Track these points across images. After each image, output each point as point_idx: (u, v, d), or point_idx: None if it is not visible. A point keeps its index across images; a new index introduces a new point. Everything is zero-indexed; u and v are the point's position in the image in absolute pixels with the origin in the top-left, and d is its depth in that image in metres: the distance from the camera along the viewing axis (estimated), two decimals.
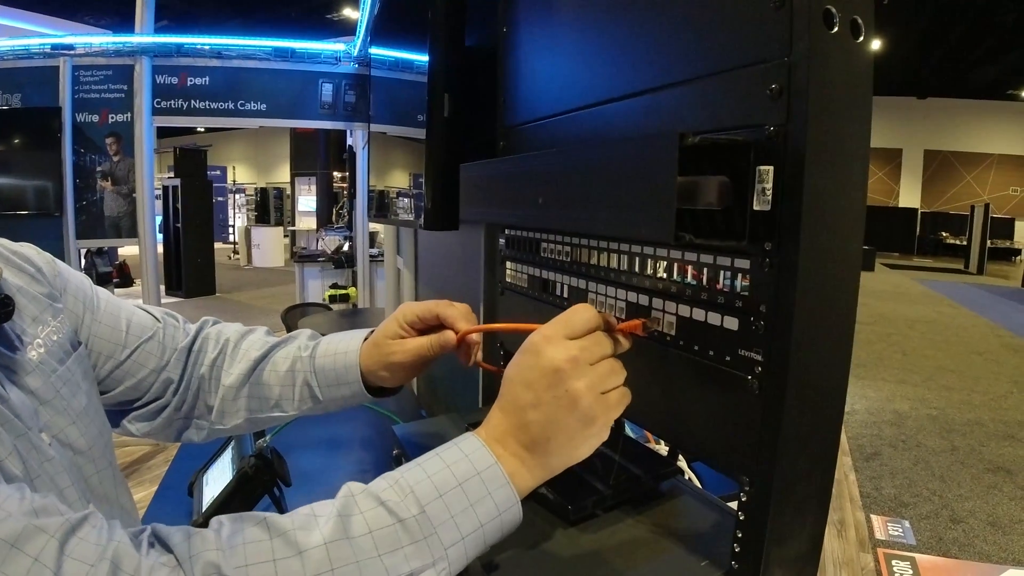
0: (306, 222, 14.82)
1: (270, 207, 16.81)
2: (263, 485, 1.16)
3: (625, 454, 0.77)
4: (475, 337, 0.79)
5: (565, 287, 0.79)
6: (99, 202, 4.47)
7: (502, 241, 0.96)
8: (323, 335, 0.89)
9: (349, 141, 6.03)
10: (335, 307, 5.30)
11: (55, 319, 0.71)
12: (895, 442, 4.32)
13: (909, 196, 18.55)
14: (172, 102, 4.44)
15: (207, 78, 4.37)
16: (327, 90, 4.58)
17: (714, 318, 0.57)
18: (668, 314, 0.62)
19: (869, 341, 6.88)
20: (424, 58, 1.47)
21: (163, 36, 4.43)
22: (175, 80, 4.42)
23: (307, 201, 15.23)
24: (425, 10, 1.37)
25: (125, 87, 4.44)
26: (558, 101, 0.83)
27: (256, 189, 17.58)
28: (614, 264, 0.69)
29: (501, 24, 0.98)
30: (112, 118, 4.46)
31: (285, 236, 15.19)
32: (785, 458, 0.52)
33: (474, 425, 0.84)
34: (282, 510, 1.17)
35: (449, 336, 0.79)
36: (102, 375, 0.79)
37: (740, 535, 0.57)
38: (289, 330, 4.45)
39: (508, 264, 0.95)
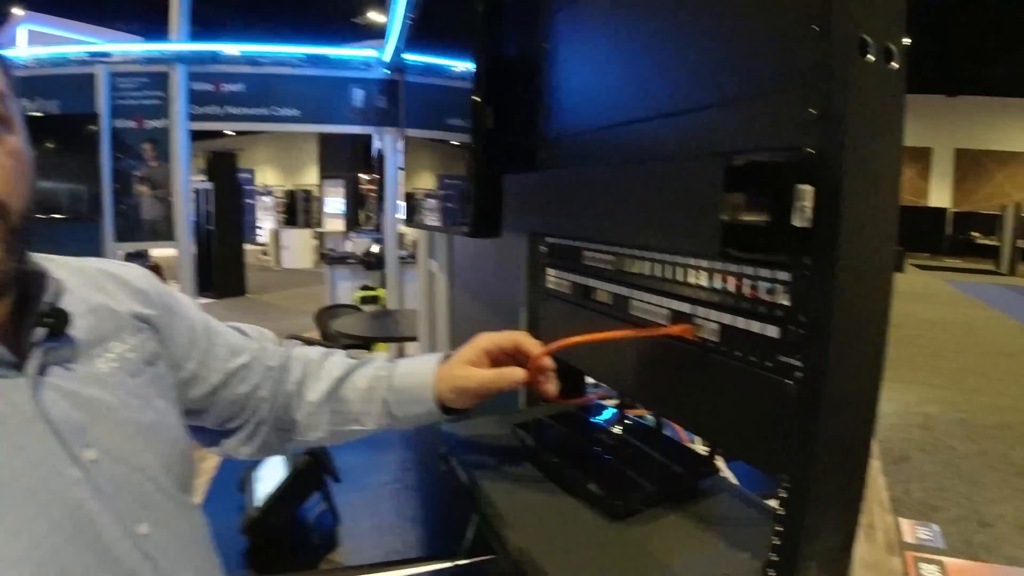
0: (334, 224, 15.00)
1: (298, 209, 17.00)
2: (315, 481, 1.21)
3: (666, 453, 0.81)
4: (548, 363, 0.82)
5: (608, 294, 0.83)
6: (137, 206, 4.59)
7: (544, 249, 1.01)
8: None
9: (378, 145, 6.10)
10: (366, 308, 5.38)
11: (134, 336, 0.77)
12: (924, 445, 4.30)
13: (939, 195, 18.27)
14: (207, 108, 4.55)
15: (242, 84, 4.47)
16: (358, 95, 4.65)
17: (756, 326, 0.61)
18: (711, 321, 0.66)
19: (898, 343, 6.81)
20: (456, 63, 1.51)
21: (198, 44, 4.53)
22: (210, 87, 4.53)
23: (334, 203, 15.43)
24: (460, 19, 1.42)
25: (161, 94, 4.55)
26: (600, 116, 0.87)
27: (284, 191, 17.78)
28: (657, 273, 0.74)
29: (541, 39, 1.03)
30: (149, 124, 4.57)
31: (313, 238, 15.34)
32: (822, 457, 0.56)
33: (521, 426, 0.89)
34: (331, 505, 1.23)
35: (516, 374, 0.82)
36: (200, 395, 0.85)
37: (779, 529, 0.60)
38: (322, 330, 4.54)
39: (550, 271, 0.99)
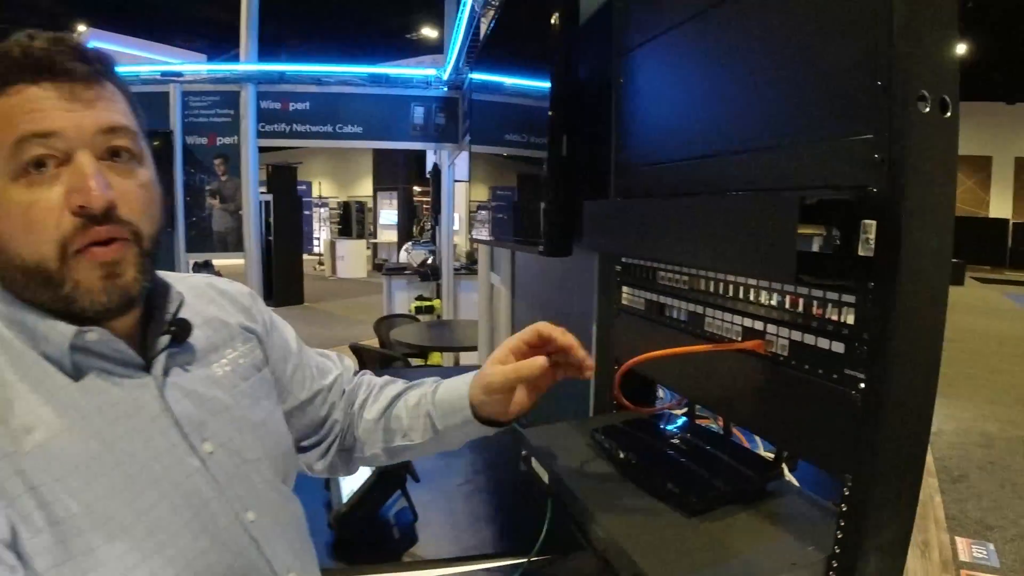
0: (387, 235, 15.31)
1: (352, 220, 17.38)
2: (397, 481, 1.30)
3: (735, 457, 0.89)
4: (581, 354, 0.86)
5: (683, 311, 0.92)
6: (208, 218, 4.82)
7: (618, 268, 1.09)
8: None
9: (434, 159, 6.26)
10: (421, 318, 5.52)
11: (244, 345, 0.88)
12: (983, 464, 4.23)
13: (1000, 206, 17.69)
14: (275, 125, 4.75)
15: (308, 103, 4.66)
16: (418, 113, 4.81)
17: (823, 343, 0.68)
18: (781, 338, 0.74)
19: (957, 359, 6.68)
20: (513, 79, 1.62)
21: (267, 64, 4.75)
22: (278, 105, 4.73)
23: (388, 215, 15.73)
24: (523, 41, 1.52)
25: (232, 111, 4.76)
26: (675, 149, 0.95)
27: (339, 203, 18.18)
28: (731, 293, 0.82)
29: (617, 75, 1.12)
30: (219, 140, 4.80)
31: (367, 248, 15.67)
32: (883, 459, 0.64)
33: (599, 431, 0.98)
34: (411, 504, 1.32)
35: (537, 361, 0.85)
36: (288, 409, 0.95)
37: (842, 523, 0.68)
38: (381, 338, 4.66)
39: (625, 288, 1.08)
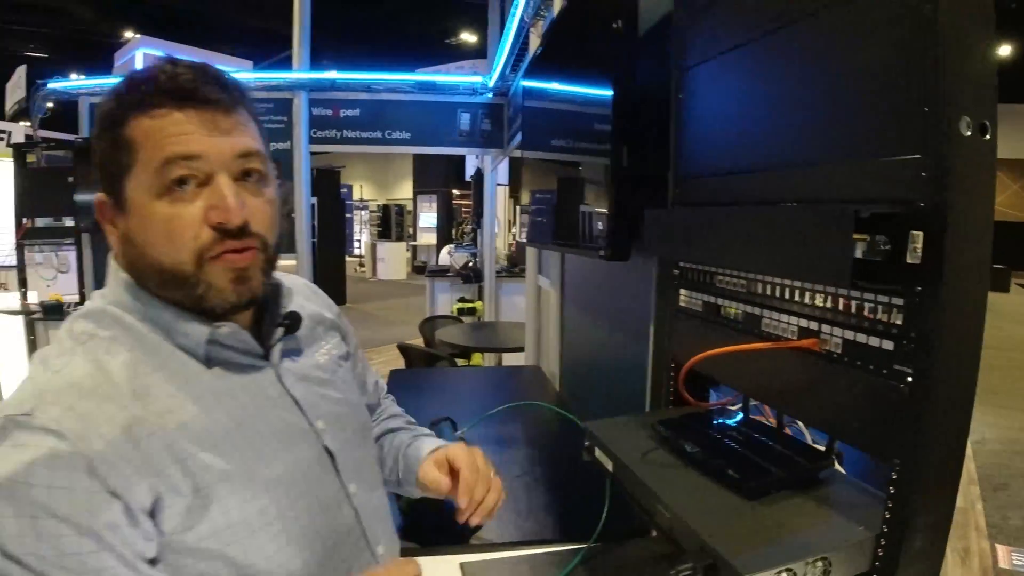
0: (426, 237, 15.51)
1: (391, 223, 17.64)
2: None
3: (789, 447, 0.96)
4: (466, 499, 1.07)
5: (740, 312, 0.99)
6: None
7: (676, 272, 1.17)
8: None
9: (477, 164, 6.38)
10: (464, 320, 5.64)
11: (334, 339, 1.03)
12: None
13: None
14: (326, 131, 4.91)
15: (358, 110, 4.81)
16: (465, 119, 4.94)
17: (874, 341, 0.76)
18: (835, 337, 0.82)
19: (1002, 367, 6.57)
20: (565, 87, 1.70)
21: (319, 72, 4.90)
22: (329, 112, 4.89)
23: (428, 218, 15.94)
24: (584, 51, 1.61)
25: (284, 118, 4.93)
26: (732, 161, 1.03)
27: (379, 205, 18.46)
28: (787, 296, 0.89)
29: (676, 90, 1.20)
30: (273, 146, 4.97)
31: (407, 250, 15.90)
32: (928, 446, 0.71)
33: (661, 423, 1.06)
34: None
35: (443, 486, 1.10)
36: None
37: (890, 505, 0.75)
38: (425, 338, 4.78)
39: (683, 291, 1.16)
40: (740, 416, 1.08)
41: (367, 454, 1.01)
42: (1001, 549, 3.15)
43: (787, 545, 0.77)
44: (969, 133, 0.68)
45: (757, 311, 0.96)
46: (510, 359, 4.95)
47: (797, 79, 0.88)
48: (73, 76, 5.04)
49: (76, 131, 5.06)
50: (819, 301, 0.84)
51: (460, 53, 12.37)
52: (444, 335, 4.42)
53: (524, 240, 7.41)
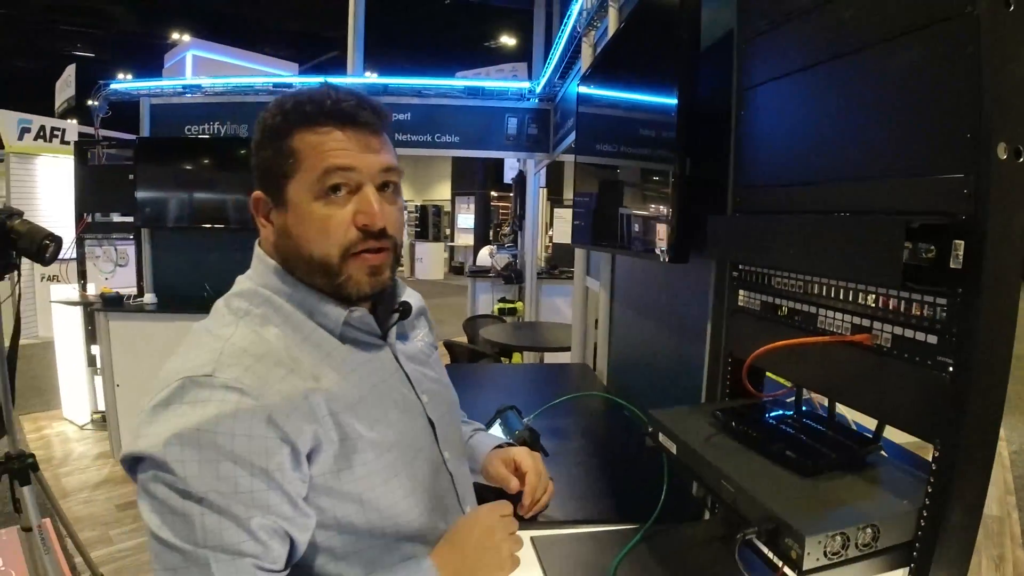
0: (464, 238, 15.70)
1: (429, 223, 17.86)
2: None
3: (840, 433, 1.07)
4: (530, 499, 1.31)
5: (797, 311, 1.11)
6: None
7: (735, 274, 1.29)
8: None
9: (519, 167, 6.50)
10: (507, 319, 5.78)
11: (424, 328, 1.20)
12: None
13: None
14: None
15: (409, 114, 4.94)
16: (512, 124, 5.06)
17: (920, 336, 0.87)
18: (884, 332, 0.93)
19: None
20: (624, 95, 1.81)
21: (371, 77, 5.08)
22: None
23: (466, 219, 16.14)
24: (640, 65, 1.72)
25: None
26: (791, 174, 1.14)
27: (416, 206, 18.71)
28: (841, 296, 1.00)
29: (738, 107, 1.31)
30: None
31: (444, 251, 16.10)
32: (967, 428, 0.81)
33: (722, 411, 1.17)
34: None
35: (512, 483, 1.30)
36: None
37: (932, 481, 0.86)
38: (468, 336, 4.92)
39: (741, 291, 1.27)
40: (791, 405, 1.19)
41: (457, 428, 1.17)
42: None
43: (841, 513, 0.88)
44: (1005, 156, 0.78)
45: (813, 309, 1.07)
46: (550, 358, 5.07)
47: (852, 104, 0.99)
48: (120, 76, 5.24)
49: (136, 130, 5.26)
50: (871, 301, 0.95)
51: (499, 56, 12.51)
52: (488, 334, 4.55)
53: (568, 242, 7.53)
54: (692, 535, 1.37)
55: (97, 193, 5.30)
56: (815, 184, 1.08)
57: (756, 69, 1.25)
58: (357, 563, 0.91)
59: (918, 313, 0.88)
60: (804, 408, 1.19)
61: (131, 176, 4.86)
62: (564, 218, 7.76)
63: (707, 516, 1.44)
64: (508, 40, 13.17)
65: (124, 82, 5.20)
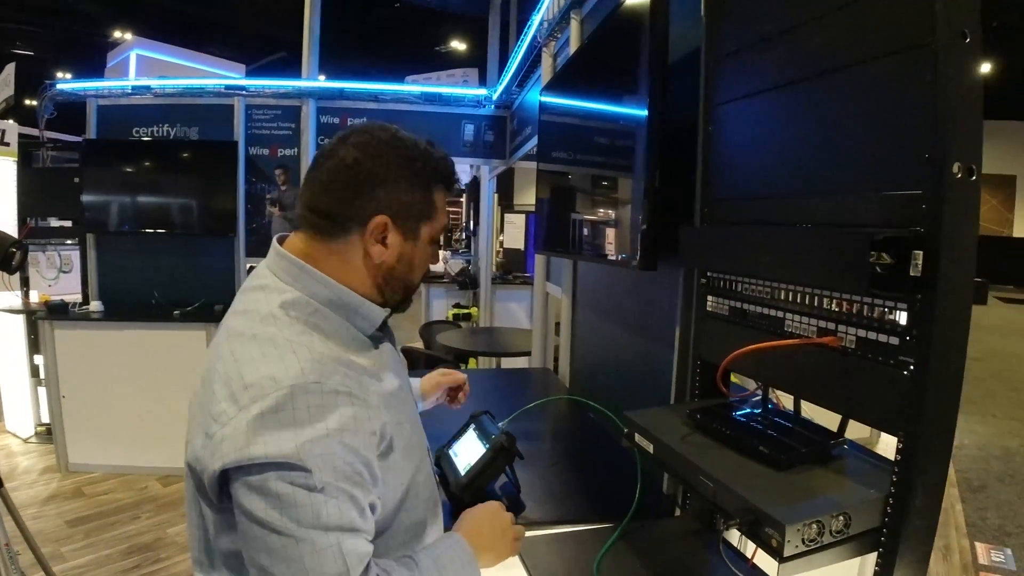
0: None
1: None
2: (511, 457, 1.52)
3: (807, 428, 1.15)
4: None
5: (764, 316, 1.18)
6: (267, 225, 5.11)
7: (703, 280, 1.36)
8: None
9: (472, 173, 6.55)
10: (463, 325, 5.81)
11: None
12: (1002, 476, 4.41)
13: None
14: None
15: (365, 119, 4.92)
16: (469, 130, 5.10)
17: (883, 337, 0.94)
18: (849, 335, 1.00)
19: (980, 378, 6.83)
20: (586, 105, 1.88)
21: (327, 81, 5.05)
22: (337, 120, 5.02)
23: None
24: (608, 77, 1.79)
25: (292, 125, 5.06)
26: (759, 188, 1.22)
27: None
28: (807, 301, 1.08)
29: (706, 122, 1.39)
30: (281, 152, 5.10)
31: None
32: (926, 420, 0.89)
33: (696, 411, 1.24)
34: (515, 478, 1.58)
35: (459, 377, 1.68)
36: None
37: (898, 470, 0.94)
38: (425, 341, 4.92)
39: (710, 297, 1.34)
40: (758, 405, 1.27)
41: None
42: (980, 546, 3.35)
43: (815, 502, 0.95)
44: (960, 175, 0.87)
45: (779, 314, 1.14)
46: (507, 363, 5.11)
47: (818, 124, 1.08)
48: (60, 75, 5.09)
49: (81, 132, 5.13)
50: (835, 306, 1.03)
51: (450, 61, 12.51)
52: (445, 339, 4.57)
53: (519, 247, 7.59)
54: (667, 530, 1.43)
55: (41, 197, 5.14)
56: (782, 198, 1.15)
57: (725, 87, 1.33)
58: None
59: (880, 317, 0.95)
60: (770, 407, 1.27)
61: (76, 179, 4.73)
62: (515, 224, 7.83)
63: (678, 512, 1.51)
64: (459, 45, 13.19)
65: (70, 82, 5.06)
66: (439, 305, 6.69)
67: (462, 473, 1.52)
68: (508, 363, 5.13)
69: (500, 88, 4.71)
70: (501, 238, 8.67)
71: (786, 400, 1.27)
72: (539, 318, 3.43)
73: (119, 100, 5.05)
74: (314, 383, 0.88)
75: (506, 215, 8.42)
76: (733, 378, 1.41)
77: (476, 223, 6.36)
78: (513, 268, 7.16)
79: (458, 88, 5.22)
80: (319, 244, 1.03)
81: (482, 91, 5.03)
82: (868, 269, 0.88)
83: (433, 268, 7.45)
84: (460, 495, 1.49)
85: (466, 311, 6.40)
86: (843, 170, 1.03)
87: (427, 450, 1.17)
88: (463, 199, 8.50)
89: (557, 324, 3.58)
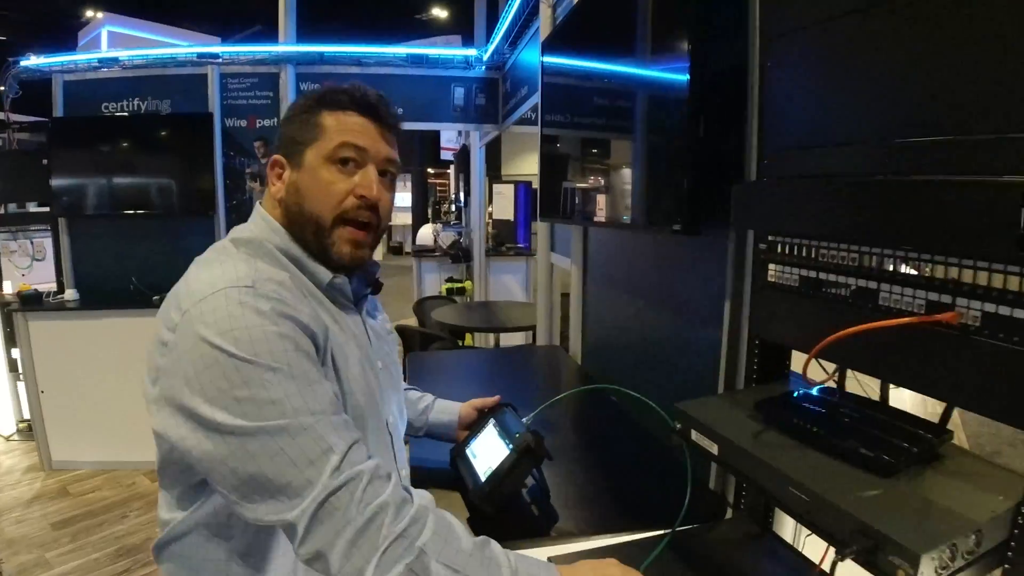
0: (401, 217, 15.35)
1: None
2: (539, 459, 1.32)
3: (904, 421, 0.96)
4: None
5: (849, 287, 0.97)
6: (248, 201, 4.85)
7: (763, 246, 1.15)
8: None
9: (461, 141, 6.30)
10: (457, 300, 5.61)
11: (383, 313, 1.37)
12: (1014, 441, 4.31)
13: None
14: None
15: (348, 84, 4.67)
16: (459, 94, 4.84)
17: (1020, 313, 0.74)
18: (973, 310, 0.80)
19: None
20: (602, 59, 1.66)
21: (306, 45, 4.75)
22: (317, 87, 4.73)
23: (402, 197, 15.76)
24: (632, 22, 1.57)
25: (271, 93, 4.78)
26: (848, 130, 1.00)
27: None
28: (911, 269, 0.88)
29: (762, 59, 1.17)
30: (259, 123, 4.82)
31: None
32: None
33: (763, 404, 1.04)
34: (545, 485, 1.39)
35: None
36: None
37: None
38: (419, 318, 4.73)
39: (771, 266, 1.13)
40: (823, 391, 1.07)
41: (399, 398, 1.32)
42: None
43: (946, 520, 0.76)
44: None
45: (872, 284, 0.94)
46: (506, 338, 4.93)
47: (932, 46, 0.86)
48: (32, 56, 4.79)
49: (48, 112, 4.84)
50: (954, 274, 0.82)
51: (432, 29, 12.15)
52: (441, 316, 4.37)
53: (509, 218, 7.36)
54: (720, 536, 1.24)
55: (9, 181, 4.87)
56: (878, 143, 0.94)
57: (789, 12, 1.11)
58: None
59: (1018, 287, 0.75)
60: (850, 393, 1.08)
61: (45, 161, 4.48)
62: (504, 194, 7.60)
63: (730, 513, 1.32)
64: (440, 13, 12.79)
65: (35, 58, 4.75)
66: (431, 280, 6.49)
67: (482, 479, 1.31)
68: (506, 338, 4.94)
69: (491, 48, 4.44)
70: (490, 209, 8.45)
71: (850, 383, 1.09)
72: (543, 291, 3.23)
73: (86, 75, 4.78)
74: (247, 287, 0.93)
75: (495, 186, 8.17)
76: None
77: (467, 194, 6.13)
78: (506, 239, 6.93)
79: (446, 49, 4.94)
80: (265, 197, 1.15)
81: (471, 51, 4.76)
82: (1018, 229, 0.68)
83: (427, 243, 7.24)
84: (481, 506, 1.29)
85: (460, 285, 6.20)
86: (973, 105, 0.81)
87: (383, 414, 1.18)
88: (451, 170, 8.26)
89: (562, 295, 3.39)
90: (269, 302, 0.93)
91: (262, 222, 1.10)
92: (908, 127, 0.89)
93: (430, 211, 12.75)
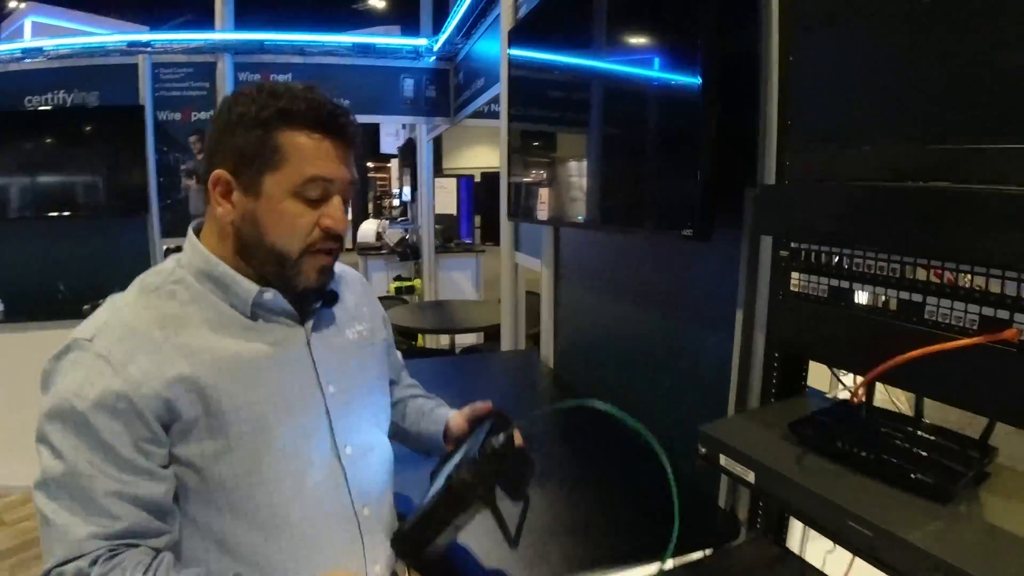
0: None
1: None
2: (485, 499, 0.97)
3: (947, 438, 0.91)
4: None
5: (888, 300, 0.92)
6: (184, 201, 4.58)
7: (784, 253, 1.09)
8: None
9: (406, 135, 6.15)
10: (406, 299, 5.48)
11: (362, 324, 1.18)
12: None
13: None
14: None
15: (290, 75, 4.42)
16: (408, 85, 4.68)
17: None
18: None
19: None
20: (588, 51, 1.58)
21: (245, 33, 4.51)
22: (257, 76, 4.49)
23: None
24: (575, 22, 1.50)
25: (207, 84, 4.53)
26: (885, 128, 0.95)
27: None
28: (962, 283, 0.83)
29: (788, 53, 1.11)
30: (195, 116, 4.56)
31: None
32: None
33: (796, 424, 0.98)
34: (504, 525, 0.99)
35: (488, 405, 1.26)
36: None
37: None
38: None
39: (794, 275, 1.08)
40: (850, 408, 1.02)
41: (369, 427, 1.14)
42: None
43: (1021, 551, 0.71)
44: None
45: (917, 298, 0.89)
46: (460, 339, 4.82)
47: (982, 37, 0.81)
48: None
49: None
50: (1010, 290, 0.78)
51: (371, 19, 11.86)
52: (394, 317, 4.23)
53: (452, 212, 7.23)
54: (741, 562, 1.18)
55: None
56: (919, 144, 0.89)
57: (819, 4, 1.05)
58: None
59: None
60: (878, 408, 1.03)
61: None
62: (445, 188, 7.46)
63: (743, 535, 1.26)
64: (377, 3, 12.50)
65: None
66: (379, 279, 6.31)
67: (412, 515, 1.02)
68: (460, 338, 4.84)
69: (442, 38, 4.31)
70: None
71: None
72: (508, 293, 3.13)
73: (8, 67, 4.45)
74: (87, 340, 0.89)
75: (436, 180, 8.02)
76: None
77: (414, 189, 5.99)
78: (449, 235, 6.80)
79: (395, 38, 4.78)
80: (207, 212, 1.02)
81: (422, 41, 4.61)
82: None
83: (369, 239, 7.04)
84: (393, 547, 1.06)
85: (409, 284, 6.06)
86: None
87: (330, 444, 1.04)
88: (392, 164, 8.08)
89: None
90: (94, 361, 0.88)
91: (190, 249, 1.01)
92: (958, 129, 0.84)
93: (371, 206, 12.49)
